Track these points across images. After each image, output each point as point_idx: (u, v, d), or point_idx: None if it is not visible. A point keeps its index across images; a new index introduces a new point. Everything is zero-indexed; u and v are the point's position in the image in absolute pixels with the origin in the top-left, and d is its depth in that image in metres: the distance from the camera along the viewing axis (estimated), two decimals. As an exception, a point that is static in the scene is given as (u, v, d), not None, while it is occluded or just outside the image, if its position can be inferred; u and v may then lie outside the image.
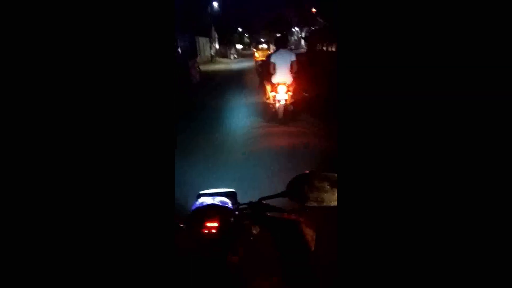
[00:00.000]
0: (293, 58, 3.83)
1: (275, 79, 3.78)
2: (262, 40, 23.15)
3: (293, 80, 3.81)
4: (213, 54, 21.83)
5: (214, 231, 0.67)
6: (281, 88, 3.73)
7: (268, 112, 4.23)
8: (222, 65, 18.20)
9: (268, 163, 2.74)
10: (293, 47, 30.49)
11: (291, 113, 4.01)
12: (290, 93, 3.84)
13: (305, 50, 22.79)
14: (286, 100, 3.81)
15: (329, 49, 14.90)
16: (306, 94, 4.91)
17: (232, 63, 19.43)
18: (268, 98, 4.12)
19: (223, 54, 25.41)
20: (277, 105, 3.85)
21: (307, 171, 0.68)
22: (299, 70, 3.90)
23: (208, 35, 22.24)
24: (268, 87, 3.99)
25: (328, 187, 0.65)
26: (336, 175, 0.64)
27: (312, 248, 0.61)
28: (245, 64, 16.22)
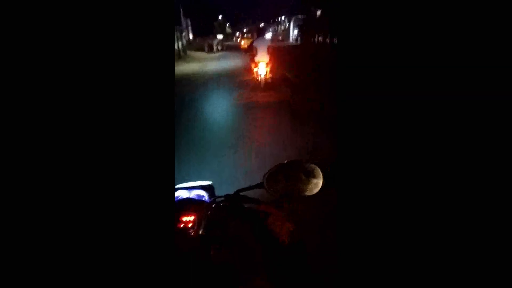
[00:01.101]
0: (269, 43, 5.71)
1: (256, 58, 5.54)
2: (245, 30, 24.23)
3: (270, 60, 5.56)
4: (181, 47, 16.28)
5: (190, 225, 0.66)
6: (261, 64, 5.53)
7: (254, 83, 5.99)
8: (195, 64, 11.97)
9: (251, 109, 4.46)
10: (280, 38, 30.53)
11: (270, 83, 5.80)
12: (268, 69, 5.64)
13: (297, 42, 21.65)
14: (265, 74, 5.63)
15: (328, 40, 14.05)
16: (287, 74, 6.73)
17: (211, 61, 12.63)
18: (254, 73, 5.94)
19: (199, 46, 20.28)
20: (259, 78, 5.69)
21: (283, 162, 0.68)
22: (273, 52, 5.69)
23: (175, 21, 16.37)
24: (253, 65, 5.79)
25: (304, 177, 0.66)
26: (312, 165, 0.66)
27: (286, 241, 0.60)
28: (232, 62, 11.24)
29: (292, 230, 0.62)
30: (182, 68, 10.50)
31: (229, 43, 27.97)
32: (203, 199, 0.75)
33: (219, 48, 19.95)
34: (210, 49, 19.10)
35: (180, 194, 0.76)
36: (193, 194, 0.76)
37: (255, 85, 5.87)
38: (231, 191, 0.72)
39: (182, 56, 15.52)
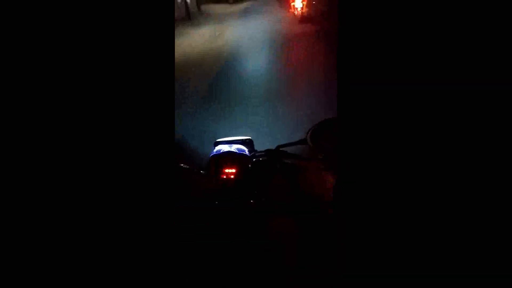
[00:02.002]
0: None
1: None
2: None
3: None
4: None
5: (232, 176, 0.70)
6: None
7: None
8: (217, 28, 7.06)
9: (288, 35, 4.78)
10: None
11: (306, 17, 5.98)
12: (304, 3, 5.84)
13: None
14: (301, 7, 5.82)
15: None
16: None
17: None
18: (290, 7, 6.26)
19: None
20: (296, 12, 5.95)
21: (327, 119, 0.65)
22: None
23: None
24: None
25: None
26: None
27: (330, 196, 0.59)
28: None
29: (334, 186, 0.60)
30: (190, 45, 5.68)
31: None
32: (243, 152, 0.76)
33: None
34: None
35: (222, 147, 0.78)
36: (234, 147, 0.78)
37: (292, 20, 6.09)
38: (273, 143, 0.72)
39: (193, 15, 8.53)
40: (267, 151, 0.74)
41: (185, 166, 0.74)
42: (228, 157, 0.73)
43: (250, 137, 0.87)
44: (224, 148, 0.77)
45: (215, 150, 0.77)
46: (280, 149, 0.70)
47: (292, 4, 6.00)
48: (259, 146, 0.83)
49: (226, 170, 0.71)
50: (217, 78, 4.10)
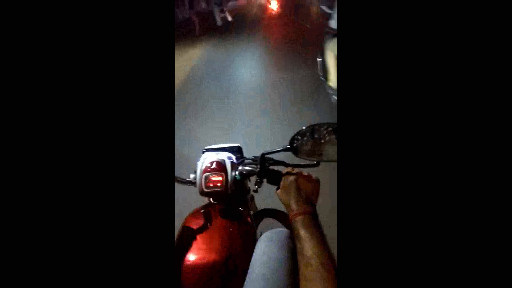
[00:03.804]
0: None
1: None
2: None
3: None
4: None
5: (219, 185, 0.70)
6: None
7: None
8: None
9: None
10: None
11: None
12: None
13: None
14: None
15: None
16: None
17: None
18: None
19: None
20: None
21: (311, 125, 0.66)
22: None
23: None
24: None
25: (335, 140, 0.64)
26: None
27: (315, 202, 0.60)
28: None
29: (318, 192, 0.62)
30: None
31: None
32: (230, 160, 0.76)
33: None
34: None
35: (209, 155, 0.77)
36: (221, 155, 0.77)
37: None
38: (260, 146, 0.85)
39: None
40: (254, 158, 0.75)
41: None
42: (215, 165, 0.72)
43: (239, 144, 0.87)
44: (212, 155, 0.76)
45: (202, 158, 0.76)
46: (265, 156, 0.70)
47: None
48: (250, 154, 0.82)
49: (213, 178, 0.71)
50: (206, 85, 4.24)
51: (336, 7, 2.83)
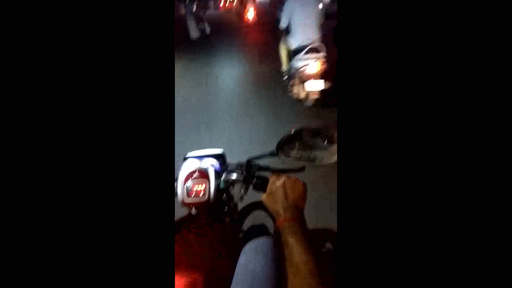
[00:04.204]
0: None
1: None
2: None
3: None
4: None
5: (201, 194, 0.66)
6: None
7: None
8: None
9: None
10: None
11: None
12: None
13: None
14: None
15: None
16: None
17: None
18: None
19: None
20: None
21: (298, 129, 0.65)
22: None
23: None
24: None
25: (323, 143, 0.63)
26: (332, 128, 0.62)
27: (303, 206, 0.60)
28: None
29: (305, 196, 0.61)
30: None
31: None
32: (214, 167, 0.72)
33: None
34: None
35: (191, 162, 0.74)
36: (204, 162, 0.74)
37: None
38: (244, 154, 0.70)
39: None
40: (238, 164, 0.72)
41: None
42: (198, 173, 0.69)
43: (221, 150, 0.83)
44: (194, 163, 0.73)
45: (183, 166, 0.72)
46: (251, 162, 0.68)
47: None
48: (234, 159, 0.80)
49: (195, 188, 0.67)
50: (189, 90, 4.23)
51: (283, 8, 3.05)
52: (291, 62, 3.08)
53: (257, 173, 0.67)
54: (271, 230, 0.64)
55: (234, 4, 16.28)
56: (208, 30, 8.51)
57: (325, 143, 0.62)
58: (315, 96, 3.00)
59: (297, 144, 0.64)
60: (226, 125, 3.06)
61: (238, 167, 0.71)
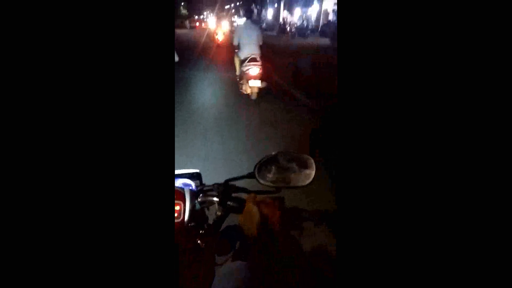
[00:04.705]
0: (260, 32, 4.54)
1: (242, 53, 4.44)
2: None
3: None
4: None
5: (176, 214, 0.64)
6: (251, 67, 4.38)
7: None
8: None
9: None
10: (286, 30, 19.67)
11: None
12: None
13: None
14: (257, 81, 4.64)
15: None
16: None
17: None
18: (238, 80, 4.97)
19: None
20: (248, 90, 4.68)
21: (275, 153, 0.66)
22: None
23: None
24: (236, 63, 4.75)
25: (296, 167, 0.66)
26: (305, 155, 0.66)
27: (276, 228, 0.60)
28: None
29: (282, 218, 0.62)
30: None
31: (185, 33, 19.31)
32: (189, 188, 0.71)
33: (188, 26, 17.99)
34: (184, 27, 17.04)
35: None
36: (179, 182, 0.72)
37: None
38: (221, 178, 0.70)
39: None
40: (215, 185, 0.72)
41: None
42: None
43: (197, 170, 0.84)
44: None
45: None
46: (229, 183, 0.70)
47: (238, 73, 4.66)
48: (209, 180, 0.79)
49: None
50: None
51: (236, 32, 4.47)
52: (241, 68, 4.47)
53: (233, 195, 0.69)
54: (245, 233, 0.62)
55: (207, 27, 18.12)
56: (177, 58, 8.16)
57: (299, 167, 0.66)
58: (256, 91, 4.40)
59: (273, 167, 0.67)
60: (201, 144, 3.06)
61: (215, 188, 0.71)
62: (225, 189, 0.70)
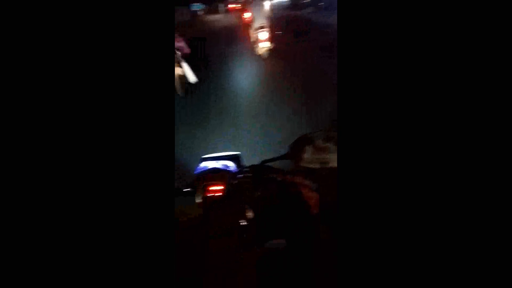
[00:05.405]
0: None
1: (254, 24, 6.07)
2: None
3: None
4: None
5: (218, 194, 0.68)
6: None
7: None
8: None
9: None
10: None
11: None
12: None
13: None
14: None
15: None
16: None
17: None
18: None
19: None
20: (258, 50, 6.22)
21: (310, 133, 0.67)
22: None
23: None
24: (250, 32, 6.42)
25: (333, 147, 0.64)
26: None
27: (316, 210, 0.60)
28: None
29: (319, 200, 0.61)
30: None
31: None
32: (230, 169, 0.76)
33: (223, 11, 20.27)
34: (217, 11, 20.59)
35: (208, 164, 0.78)
36: (220, 164, 0.78)
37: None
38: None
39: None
40: (252, 166, 0.75)
41: None
42: (213, 173, 0.73)
43: (238, 153, 0.88)
44: (210, 164, 0.77)
45: (200, 167, 0.78)
46: (266, 164, 0.72)
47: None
48: (249, 162, 0.82)
49: (211, 188, 0.70)
50: (206, 94, 4.32)
51: (251, 9, 6.16)
52: (253, 35, 6.12)
53: (270, 175, 0.71)
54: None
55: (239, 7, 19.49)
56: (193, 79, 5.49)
57: (336, 147, 0.65)
58: (266, 51, 6.11)
59: (309, 147, 0.67)
60: (240, 127, 3.14)
61: (252, 169, 0.74)
62: (262, 170, 0.73)
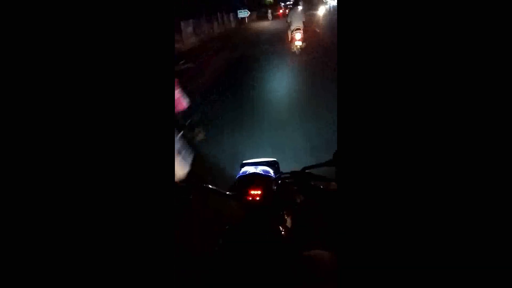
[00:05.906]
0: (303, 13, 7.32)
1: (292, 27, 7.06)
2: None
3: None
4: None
5: (258, 198, 0.70)
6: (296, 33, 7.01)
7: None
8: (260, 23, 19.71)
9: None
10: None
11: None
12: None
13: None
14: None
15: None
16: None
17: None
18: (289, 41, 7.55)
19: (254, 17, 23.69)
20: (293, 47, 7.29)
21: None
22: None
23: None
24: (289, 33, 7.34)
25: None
26: None
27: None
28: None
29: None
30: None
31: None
32: (269, 174, 0.77)
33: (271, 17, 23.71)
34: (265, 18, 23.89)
35: (247, 169, 0.80)
36: (259, 169, 0.79)
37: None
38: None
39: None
40: (293, 172, 0.76)
41: (213, 187, 0.78)
42: (254, 178, 0.75)
43: (275, 159, 0.89)
44: (250, 169, 0.79)
45: (241, 172, 0.80)
46: (306, 170, 0.72)
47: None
48: (285, 168, 0.84)
49: (252, 192, 0.72)
50: (244, 100, 4.26)
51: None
52: (290, 35, 7.48)
53: (312, 182, 0.72)
54: None
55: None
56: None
57: None
58: (299, 48, 7.39)
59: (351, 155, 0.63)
60: (278, 135, 3.07)
61: (293, 175, 0.76)
62: (303, 176, 0.73)
